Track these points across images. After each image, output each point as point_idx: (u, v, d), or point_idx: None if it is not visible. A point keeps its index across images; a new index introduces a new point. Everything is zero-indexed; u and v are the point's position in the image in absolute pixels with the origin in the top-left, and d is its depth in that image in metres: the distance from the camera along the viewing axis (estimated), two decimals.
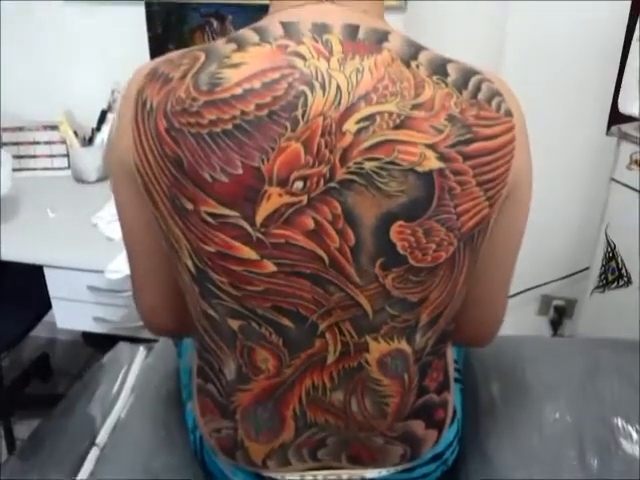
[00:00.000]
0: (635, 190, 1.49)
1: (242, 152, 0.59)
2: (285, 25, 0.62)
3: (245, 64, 0.60)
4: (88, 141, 1.86)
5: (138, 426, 1.05)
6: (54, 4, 1.80)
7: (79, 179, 1.87)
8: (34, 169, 1.89)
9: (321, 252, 0.62)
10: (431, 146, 0.60)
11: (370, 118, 0.59)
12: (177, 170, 0.61)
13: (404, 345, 0.68)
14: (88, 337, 2.07)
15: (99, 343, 1.84)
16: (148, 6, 1.78)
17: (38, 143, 1.89)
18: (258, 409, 0.72)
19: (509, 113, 0.64)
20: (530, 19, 1.60)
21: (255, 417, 0.73)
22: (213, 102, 0.59)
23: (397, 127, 0.59)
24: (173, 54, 0.65)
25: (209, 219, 0.61)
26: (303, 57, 0.60)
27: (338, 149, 0.59)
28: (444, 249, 0.63)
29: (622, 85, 1.42)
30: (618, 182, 1.54)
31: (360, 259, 0.62)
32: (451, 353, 0.80)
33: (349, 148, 0.59)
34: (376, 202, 0.60)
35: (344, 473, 0.79)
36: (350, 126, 0.59)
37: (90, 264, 1.49)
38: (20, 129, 1.86)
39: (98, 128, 1.85)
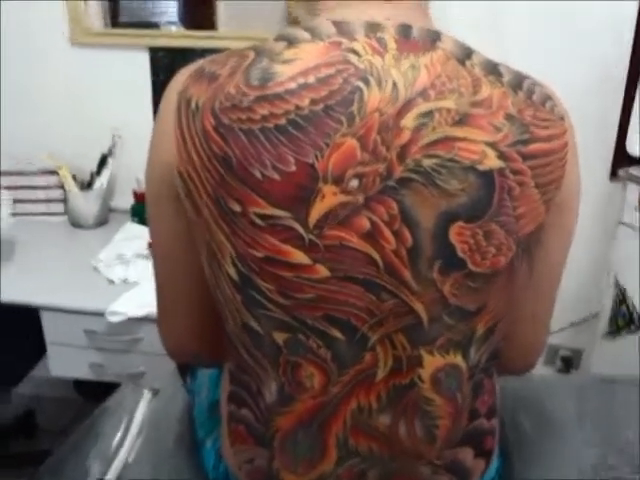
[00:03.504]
0: None
1: (295, 148, 0.56)
2: (337, 24, 0.60)
3: (299, 59, 0.58)
4: (87, 185, 1.83)
5: (148, 471, 0.98)
6: (61, 48, 1.80)
7: (76, 224, 1.82)
8: (31, 214, 1.84)
9: (375, 255, 0.58)
10: (491, 144, 0.58)
11: (429, 114, 0.57)
12: (225, 169, 0.58)
13: (459, 360, 0.64)
14: (80, 387, 1.98)
15: (91, 393, 1.76)
16: (153, 52, 1.79)
17: (35, 188, 1.85)
18: (299, 434, 0.67)
19: (562, 117, 0.63)
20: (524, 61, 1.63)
21: (295, 443, 0.67)
22: (265, 97, 0.57)
23: (456, 124, 0.57)
24: (217, 55, 0.63)
25: (258, 221, 0.58)
26: (357, 53, 0.58)
27: (395, 146, 0.57)
28: (503, 254, 0.60)
29: (629, 126, 1.44)
30: (627, 225, 1.53)
31: (417, 262, 0.59)
32: (497, 378, 0.76)
33: (407, 145, 0.57)
34: (435, 201, 0.57)
35: None
36: (408, 122, 0.57)
37: (89, 307, 1.44)
38: (19, 173, 1.83)
39: (98, 172, 1.82)
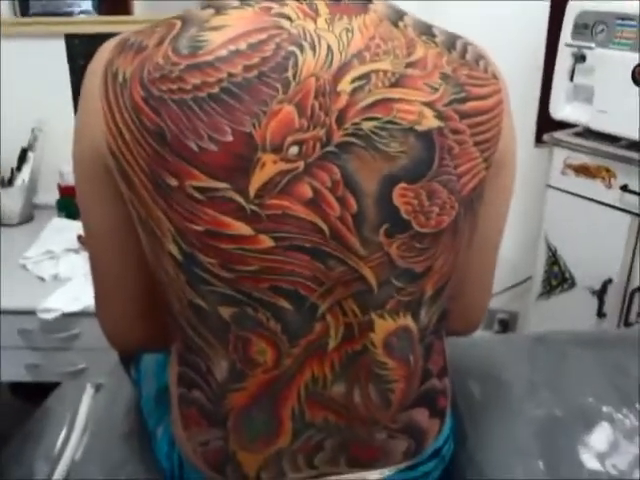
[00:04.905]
0: (572, 194, 1.54)
1: (231, 117, 0.54)
2: None
3: (228, 26, 0.56)
4: (8, 182, 1.75)
5: (97, 468, 0.95)
6: None
7: (0, 222, 1.74)
8: None
9: (321, 223, 0.57)
10: (428, 104, 0.58)
11: (365, 77, 0.56)
12: (158, 143, 0.56)
13: (409, 321, 0.64)
14: (18, 389, 1.90)
15: (31, 396, 1.69)
16: (68, 40, 1.72)
17: None
18: (253, 411, 0.66)
19: (495, 76, 0.64)
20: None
21: (250, 421, 0.66)
22: (196, 65, 0.55)
23: (393, 85, 0.57)
24: (143, 27, 0.61)
25: (196, 194, 0.56)
26: (289, 18, 0.57)
27: (334, 111, 0.56)
28: (447, 212, 0.61)
29: (552, 91, 1.48)
30: (554, 188, 1.58)
31: (363, 227, 0.58)
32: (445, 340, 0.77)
33: (345, 109, 0.56)
34: (377, 165, 0.57)
35: (344, 479, 0.73)
36: (345, 86, 0.56)
37: (21, 306, 1.38)
38: None
39: (18, 168, 1.75)
